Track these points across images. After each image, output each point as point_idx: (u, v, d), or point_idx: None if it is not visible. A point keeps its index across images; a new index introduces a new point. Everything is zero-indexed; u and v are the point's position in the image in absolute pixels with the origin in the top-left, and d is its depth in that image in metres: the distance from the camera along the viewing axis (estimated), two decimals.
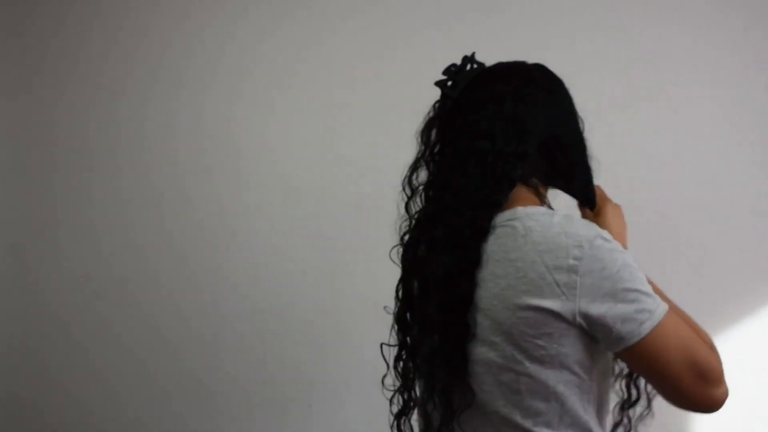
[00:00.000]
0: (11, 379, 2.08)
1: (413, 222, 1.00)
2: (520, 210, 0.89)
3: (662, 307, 0.82)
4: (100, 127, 2.02)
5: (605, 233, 0.84)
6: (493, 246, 0.88)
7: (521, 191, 0.93)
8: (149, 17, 2.00)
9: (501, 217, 0.89)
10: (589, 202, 1.03)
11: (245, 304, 1.95)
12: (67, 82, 2.04)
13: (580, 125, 1.00)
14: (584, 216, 1.03)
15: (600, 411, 0.92)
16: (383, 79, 1.88)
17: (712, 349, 0.85)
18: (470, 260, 0.88)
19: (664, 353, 0.81)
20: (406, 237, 1.01)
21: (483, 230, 0.88)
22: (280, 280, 1.93)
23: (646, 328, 0.80)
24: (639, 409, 1.00)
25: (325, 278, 1.91)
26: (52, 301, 2.06)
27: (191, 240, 1.98)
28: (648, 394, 0.99)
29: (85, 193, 2.04)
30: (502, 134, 0.90)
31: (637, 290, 0.81)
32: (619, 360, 0.93)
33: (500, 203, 0.90)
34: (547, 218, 0.86)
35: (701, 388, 0.81)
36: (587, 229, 0.84)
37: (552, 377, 0.86)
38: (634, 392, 0.99)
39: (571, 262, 0.81)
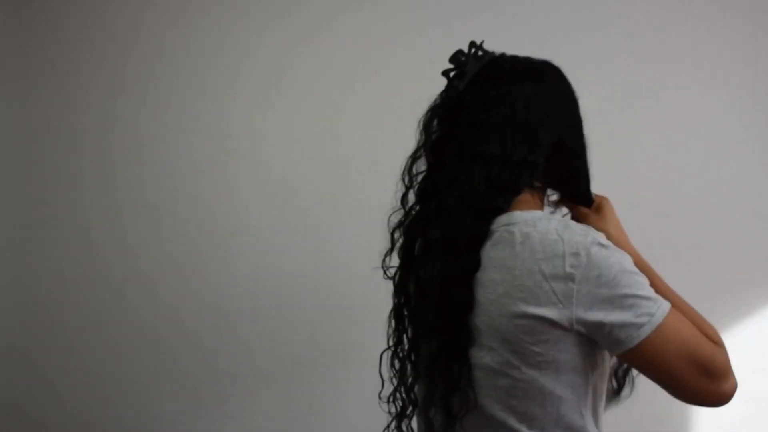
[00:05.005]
0: (5, 380, 2.08)
1: (410, 216, 0.98)
2: (517, 215, 0.88)
3: (662, 309, 0.82)
4: (96, 128, 2.01)
5: (602, 238, 0.84)
6: (490, 252, 0.87)
7: (522, 195, 0.92)
8: (144, 16, 1.99)
9: (498, 222, 0.88)
10: (588, 201, 1.02)
11: (244, 305, 1.95)
12: (61, 82, 2.03)
13: (584, 130, 0.98)
14: (581, 215, 1.02)
15: (595, 415, 0.92)
16: (381, 79, 1.88)
17: (717, 343, 0.85)
18: (466, 267, 0.87)
19: (665, 354, 0.81)
20: (401, 231, 0.99)
21: (479, 236, 0.88)
22: (278, 280, 1.93)
23: (645, 331, 0.80)
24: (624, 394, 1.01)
25: (325, 278, 1.91)
26: (48, 303, 2.05)
27: (190, 241, 1.97)
28: (633, 380, 1.00)
29: (82, 195, 2.03)
30: (511, 141, 0.88)
31: (635, 295, 0.81)
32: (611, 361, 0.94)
33: (502, 210, 0.89)
34: (544, 224, 0.85)
35: (706, 385, 0.82)
36: (584, 235, 0.83)
37: (548, 383, 0.86)
38: (615, 384, 1.00)
39: (568, 270, 0.81)
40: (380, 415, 1.04)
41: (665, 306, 0.82)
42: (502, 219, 0.88)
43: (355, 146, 1.89)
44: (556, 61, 1.00)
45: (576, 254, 0.81)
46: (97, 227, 2.01)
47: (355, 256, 1.86)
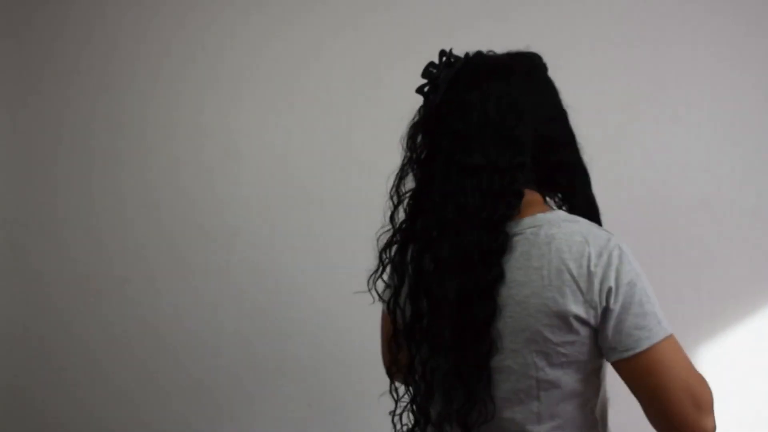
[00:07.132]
0: (11, 378, 2.08)
1: (403, 233, 0.95)
2: (540, 217, 0.88)
3: (665, 330, 0.82)
4: (101, 127, 2.02)
5: (623, 243, 0.85)
6: (513, 253, 0.86)
7: (532, 196, 0.90)
8: (151, 18, 2.00)
9: (521, 225, 0.87)
10: (593, 213, 0.97)
11: (245, 304, 1.95)
12: (69, 82, 2.04)
13: (569, 119, 0.95)
14: None
15: (604, 412, 0.93)
16: (383, 81, 1.88)
17: (704, 381, 0.83)
18: (487, 279, 0.85)
19: (666, 369, 0.81)
20: (395, 248, 0.96)
21: (495, 247, 0.86)
22: (280, 280, 1.93)
23: (658, 335, 0.81)
24: None
25: (325, 278, 1.91)
26: (53, 301, 2.06)
27: (192, 240, 1.98)
28: None
29: (86, 194, 2.04)
30: (494, 148, 0.87)
31: (651, 302, 0.82)
32: None
33: (509, 216, 0.87)
34: (568, 225, 0.86)
35: (694, 416, 0.80)
36: (607, 239, 0.85)
37: (570, 382, 0.86)
38: None
39: (593, 268, 0.82)
40: (380, 416, 1.04)
41: (668, 329, 0.82)
42: (525, 221, 0.88)
43: (357, 147, 1.90)
44: (559, 64, 0.99)
45: (599, 255, 0.83)
46: (104, 227, 2.02)
47: (357, 257, 1.86)
